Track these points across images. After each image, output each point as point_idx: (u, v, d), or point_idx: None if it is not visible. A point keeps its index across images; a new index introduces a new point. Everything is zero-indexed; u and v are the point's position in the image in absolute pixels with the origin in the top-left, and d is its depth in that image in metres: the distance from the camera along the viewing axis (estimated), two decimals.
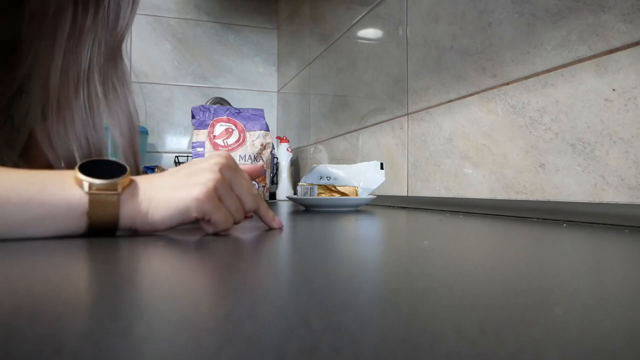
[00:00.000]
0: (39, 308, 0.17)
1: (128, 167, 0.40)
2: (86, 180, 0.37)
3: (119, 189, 0.38)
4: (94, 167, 0.39)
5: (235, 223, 0.44)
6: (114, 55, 0.56)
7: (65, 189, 0.37)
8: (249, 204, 0.44)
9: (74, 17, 0.52)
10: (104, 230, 0.39)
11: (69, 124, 0.53)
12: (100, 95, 0.55)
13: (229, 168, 0.43)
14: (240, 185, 0.44)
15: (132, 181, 0.40)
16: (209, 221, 0.41)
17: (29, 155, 0.66)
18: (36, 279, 0.22)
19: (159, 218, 0.40)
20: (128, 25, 0.56)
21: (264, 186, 0.96)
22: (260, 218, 0.48)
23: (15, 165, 0.58)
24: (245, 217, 0.53)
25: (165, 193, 0.40)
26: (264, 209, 0.47)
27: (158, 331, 0.14)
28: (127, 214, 0.39)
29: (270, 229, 0.48)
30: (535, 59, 0.68)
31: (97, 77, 0.55)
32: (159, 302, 0.18)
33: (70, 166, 0.54)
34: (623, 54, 0.55)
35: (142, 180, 0.41)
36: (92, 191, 0.37)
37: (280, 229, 0.48)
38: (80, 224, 0.38)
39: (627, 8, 0.55)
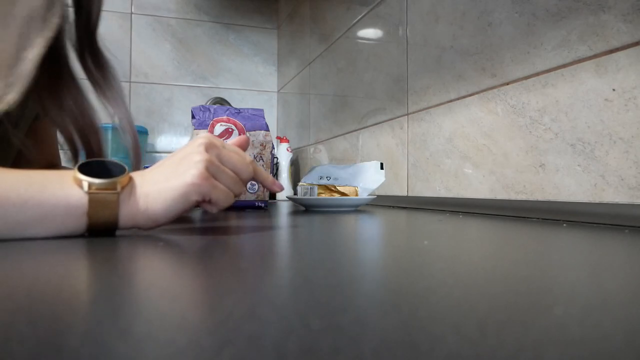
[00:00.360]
0: (39, 308, 0.17)
1: (127, 167, 0.40)
2: (85, 180, 0.37)
3: (118, 188, 0.38)
4: (93, 167, 0.39)
5: (237, 196, 0.44)
6: (90, 43, 0.58)
7: (65, 189, 0.37)
8: (245, 173, 0.45)
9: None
10: (103, 230, 0.39)
11: (60, 104, 0.56)
12: (84, 76, 0.58)
13: (213, 146, 0.43)
14: (230, 159, 0.44)
15: (131, 180, 0.40)
16: (209, 202, 0.41)
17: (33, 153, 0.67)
18: (36, 279, 0.22)
19: (160, 211, 0.40)
20: (99, 13, 0.57)
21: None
22: (261, 184, 0.48)
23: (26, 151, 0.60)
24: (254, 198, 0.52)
25: (160, 185, 0.40)
26: (262, 174, 0.48)
27: (158, 331, 0.14)
28: (126, 212, 0.39)
29: (272, 191, 0.49)
30: (535, 59, 0.68)
31: (78, 60, 0.57)
32: (159, 302, 0.18)
33: (71, 143, 0.56)
34: (623, 54, 0.55)
35: (137, 177, 0.41)
36: (91, 191, 0.37)
37: (281, 190, 0.49)
38: (80, 224, 0.38)
39: (627, 8, 0.55)
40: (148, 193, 0.40)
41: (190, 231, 0.44)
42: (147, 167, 1.16)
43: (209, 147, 0.42)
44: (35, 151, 0.66)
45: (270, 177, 0.48)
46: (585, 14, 0.60)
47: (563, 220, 0.59)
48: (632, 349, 0.13)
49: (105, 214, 0.38)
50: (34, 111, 0.66)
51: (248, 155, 0.47)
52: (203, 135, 0.44)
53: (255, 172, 0.46)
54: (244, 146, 0.52)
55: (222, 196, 0.41)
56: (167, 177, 0.41)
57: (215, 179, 0.42)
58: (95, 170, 0.39)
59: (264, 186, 0.49)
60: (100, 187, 0.38)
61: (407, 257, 0.31)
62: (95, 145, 0.58)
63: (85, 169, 0.38)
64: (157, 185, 0.40)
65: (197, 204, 0.42)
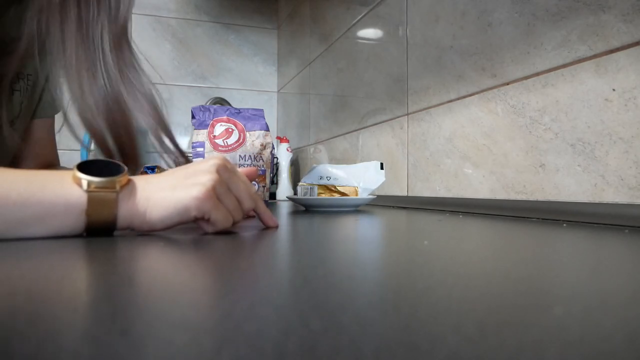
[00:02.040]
0: (39, 308, 0.17)
1: (125, 167, 0.40)
2: (85, 178, 0.37)
3: (117, 187, 0.39)
4: (91, 166, 0.39)
5: (234, 222, 0.44)
6: (119, 41, 0.56)
7: (65, 188, 0.37)
8: (247, 203, 0.45)
9: (78, 9, 0.52)
10: (102, 229, 0.39)
11: (96, 109, 0.54)
12: (116, 79, 0.56)
13: (226, 169, 0.44)
14: (237, 186, 0.44)
15: (129, 180, 0.40)
16: (208, 220, 0.41)
17: (28, 152, 0.67)
18: (36, 279, 0.22)
19: (158, 217, 0.40)
20: (129, 9, 0.57)
21: (264, 186, 0.96)
22: (258, 216, 0.49)
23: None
24: (249, 217, 0.53)
25: (164, 193, 0.40)
26: (262, 207, 0.48)
27: (158, 331, 0.14)
28: (124, 213, 0.39)
29: (267, 227, 0.49)
30: (535, 59, 0.68)
31: (111, 64, 0.56)
32: (158, 302, 0.18)
33: (103, 145, 0.55)
34: (623, 54, 0.55)
35: (140, 180, 0.41)
36: (90, 189, 0.38)
37: (276, 227, 0.49)
38: (78, 222, 0.38)
39: (627, 8, 0.55)
40: (149, 197, 0.40)
41: (190, 231, 0.44)
42: (147, 168, 1.16)
43: (221, 169, 0.43)
44: (27, 149, 0.65)
45: (269, 212, 0.49)
46: (585, 14, 0.60)
47: (563, 220, 0.59)
48: (632, 349, 0.13)
49: (104, 212, 0.38)
50: (30, 110, 0.66)
51: (253, 186, 0.47)
52: (218, 156, 0.45)
53: (256, 204, 0.47)
54: (252, 176, 0.52)
55: (222, 217, 0.42)
56: (173, 187, 0.41)
57: (220, 200, 0.42)
58: (94, 169, 0.39)
59: (260, 220, 0.49)
60: (100, 186, 0.38)
61: (407, 257, 0.31)
62: (128, 149, 0.57)
63: (84, 168, 0.38)
64: (161, 192, 0.40)
65: (195, 220, 0.42)
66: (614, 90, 0.56)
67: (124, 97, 0.56)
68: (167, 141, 0.59)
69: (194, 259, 0.30)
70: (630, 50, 0.54)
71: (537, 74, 0.68)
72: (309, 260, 0.29)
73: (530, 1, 0.69)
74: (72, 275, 0.24)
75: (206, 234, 0.42)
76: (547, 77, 0.66)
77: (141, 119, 0.57)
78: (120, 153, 0.57)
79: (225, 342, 0.13)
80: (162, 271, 0.26)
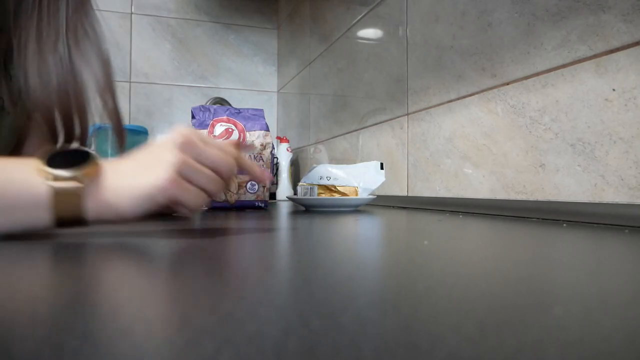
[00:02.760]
0: (39, 308, 0.17)
1: (95, 156, 0.38)
2: (49, 171, 0.35)
3: (83, 179, 0.36)
4: (60, 156, 0.37)
5: (213, 195, 0.41)
6: (82, 3, 0.56)
7: (29, 181, 0.35)
8: (224, 169, 0.41)
9: None
10: (71, 223, 0.37)
11: (46, 80, 0.53)
12: (73, 45, 0.55)
13: (189, 144, 0.39)
14: (207, 156, 0.40)
15: (97, 170, 0.37)
16: (180, 203, 0.39)
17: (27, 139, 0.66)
18: (36, 279, 0.22)
19: (126, 208, 0.37)
20: None
21: (264, 186, 0.96)
22: (249, 176, 0.45)
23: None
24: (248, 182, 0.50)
25: (127, 181, 0.38)
26: (247, 165, 0.45)
27: (158, 332, 0.14)
28: (92, 205, 0.37)
29: (261, 182, 0.45)
30: (535, 59, 0.68)
31: (69, 28, 0.55)
32: (158, 303, 0.18)
33: (50, 124, 0.55)
34: (623, 54, 0.55)
35: (108, 167, 0.38)
36: (54, 182, 0.35)
37: (270, 181, 0.46)
38: (45, 216, 0.36)
39: (627, 8, 0.55)
40: (117, 187, 0.37)
41: (190, 232, 0.44)
42: None
43: (184, 146, 0.39)
44: (31, 129, 0.65)
45: (257, 167, 0.45)
46: (585, 14, 0.60)
47: (563, 220, 0.59)
48: (632, 349, 0.13)
49: (69, 207, 0.36)
50: (25, 115, 0.66)
51: (232, 150, 0.43)
52: (181, 132, 0.40)
53: (240, 165, 0.43)
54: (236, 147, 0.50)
55: (192, 198, 0.39)
56: (135, 173, 0.38)
57: (189, 180, 0.39)
58: (63, 159, 0.36)
59: (252, 177, 0.45)
60: (65, 179, 0.36)
61: (407, 257, 0.31)
62: (80, 128, 0.55)
63: (53, 158, 0.36)
64: (124, 180, 0.38)
65: (169, 206, 0.39)
66: (614, 90, 0.56)
67: (78, 67, 0.54)
68: (110, 103, 0.57)
69: (194, 259, 0.30)
70: (630, 50, 0.54)
71: (537, 74, 0.68)
72: (309, 260, 0.29)
73: (530, 1, 0.69)
74: (72, 276, 0.24)
75: (207, 235, 0.42)
76: (547, 77, 0.66)
77: (91, 81, 0.55)
78: (65, 126, 0.55)
79: (225, 342, 0.13)
80: (162, 271, 0.26)
